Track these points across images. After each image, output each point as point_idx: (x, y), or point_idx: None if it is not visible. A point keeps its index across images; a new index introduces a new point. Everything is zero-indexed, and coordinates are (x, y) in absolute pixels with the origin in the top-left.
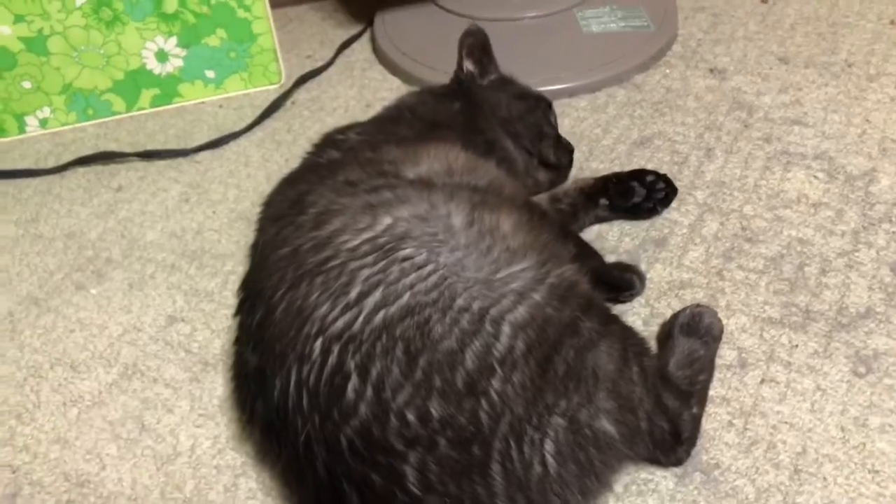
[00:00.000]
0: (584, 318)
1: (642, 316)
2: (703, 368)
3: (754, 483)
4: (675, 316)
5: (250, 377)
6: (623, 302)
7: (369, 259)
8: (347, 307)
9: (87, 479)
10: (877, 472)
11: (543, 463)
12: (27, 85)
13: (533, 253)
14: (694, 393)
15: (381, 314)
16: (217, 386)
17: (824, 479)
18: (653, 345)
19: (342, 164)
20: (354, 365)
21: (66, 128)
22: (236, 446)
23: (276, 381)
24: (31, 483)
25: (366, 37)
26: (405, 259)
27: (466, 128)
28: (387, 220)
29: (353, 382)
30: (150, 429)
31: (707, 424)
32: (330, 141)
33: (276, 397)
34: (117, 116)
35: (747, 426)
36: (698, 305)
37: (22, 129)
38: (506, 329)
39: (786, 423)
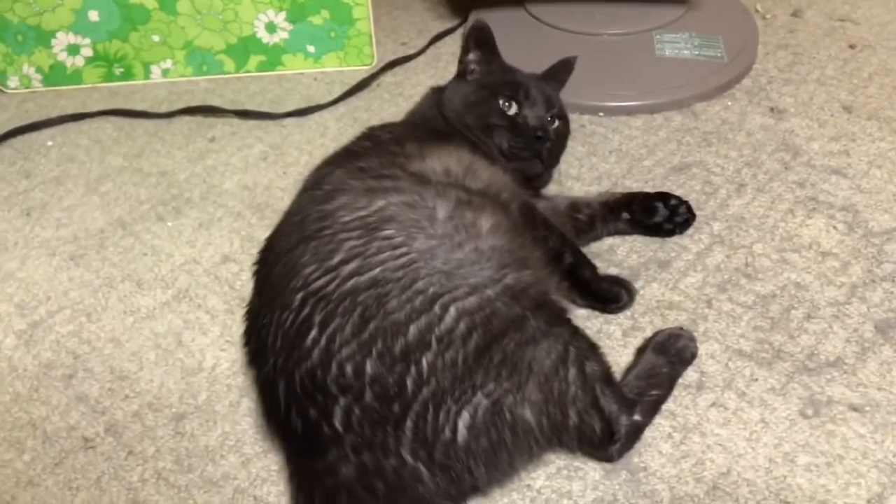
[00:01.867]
0: (531, 316)
1: (623, 327)
2: (660, 385)
3: (672, 490)
4: (655, 333)
5: (253, 315)
6: (611, 312)
7: (356, 233)
8: (328, 270)
9: (127, 375)
10: (787, 503)
11: (454, 431)
12: (156, 38)
13: (499, 256)
14: (640, 403)
15: (352, 281)
16: None
17: (737, 500)
18: (630, 353)
19: (367, 153)
20: (319, 319)
21: (182, 79)
22: (248, 372)
23: (264, 321)
24: (85, 370)
25: (459, 31)
26: (385, 238)
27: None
28: (380, 203)
29: (314, 333)
30: (184, 345)
31: (647, 433)
32: (369, 134)
33: (262, 334)
34: (226, 75)
35: (684, 440)
36: (680, 329)
37: (147, 76)
38: (451, 312)
39: (720, 445)
